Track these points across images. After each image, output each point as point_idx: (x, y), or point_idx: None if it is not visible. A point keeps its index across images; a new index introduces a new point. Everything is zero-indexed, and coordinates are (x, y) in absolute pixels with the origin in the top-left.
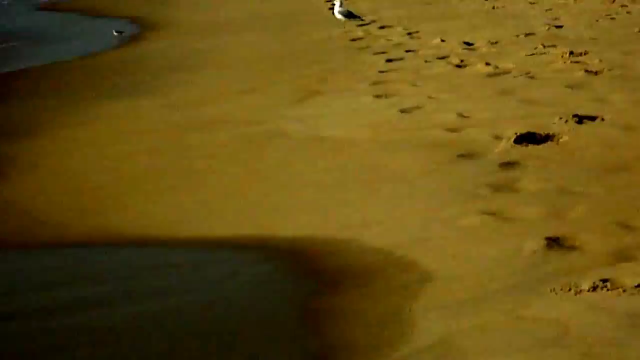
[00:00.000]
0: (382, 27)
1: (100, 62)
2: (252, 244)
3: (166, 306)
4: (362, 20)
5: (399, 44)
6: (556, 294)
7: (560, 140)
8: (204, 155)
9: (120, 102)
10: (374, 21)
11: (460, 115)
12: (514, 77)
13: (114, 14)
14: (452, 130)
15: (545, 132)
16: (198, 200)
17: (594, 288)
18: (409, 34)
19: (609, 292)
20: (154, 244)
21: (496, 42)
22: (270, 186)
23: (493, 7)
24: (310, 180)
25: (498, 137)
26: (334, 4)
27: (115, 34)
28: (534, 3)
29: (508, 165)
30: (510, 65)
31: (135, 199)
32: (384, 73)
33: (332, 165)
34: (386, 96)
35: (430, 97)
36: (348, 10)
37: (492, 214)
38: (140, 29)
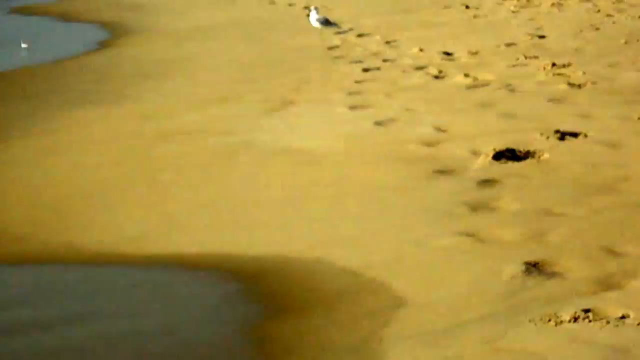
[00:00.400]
0: (359, 36)
1: (71, 68)
2: (216, 262)
3: (117, 329)
4: (339, 28)
5: (376, 53)
6: (535, 324)
7: (542, 157)
8: (171, 167)
9: (89, 110)
10: (351, 29)
11: (438, 128)
12: (494, 89)
13: (87, 19)
14: (429, 144)
15: (526, 149)
16: (163, 215)
17: (575, 319)
18: (387, 42)
19: (591, 323)
20: (115, 261)
21: (476, 53)
22: (237, 201)
23: (474, 16)
24: (280, 194)
25: (476, 153)
26: (310, 11)
27: (23, 46)
28: (516, 12)
29: (486, 183)
30: (490, 77)
31: (98, 212)
32: (360, 83)
33: (303, 179)
34: (361, 107)
35: (407, 109)
36: (325, 18)
37: (469, 235)
38: (113, 34)
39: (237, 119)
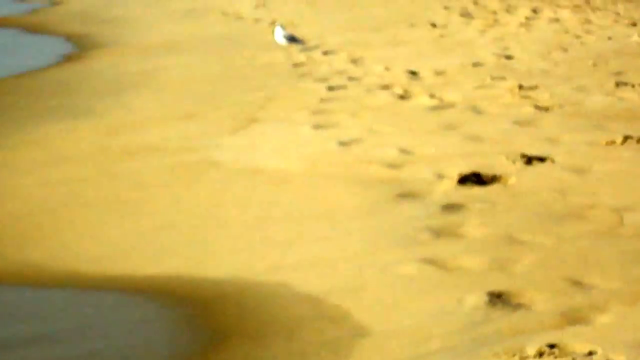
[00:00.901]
0: (325, 53)
1: (37, 81)
2: (173, 285)
3: (66, 353)
4: (305, 45)
5: (341, 71)
6: (499, 358)
7: (508, 182)
8: (134, 185)
9: (55, 125)
10: (317, 46)
11: (402, 150)
12: (460, 111)
13: (56, 31)
14: (393, 166)
15: (492, 173)
16: (123, 235)
17: (541, 354)
18: (353, 60)
19: (557, 359)
20: (73, 282)
21: (442, 72)
22: (198, 221)
23: (441, 35)
24: (242, 215)
25: (441, 177)
26: (275, 27)
27: None
28: (483, 31)
29: (451, 207)
30: (456, 98)
31: (57, 231)
32: (325, 102)
33: (265, 200)
34: (326, 127)
35: (371, 130)
36: (290, 35)
37: (432, 262)
38: (82, 47)
39: (201, 137)
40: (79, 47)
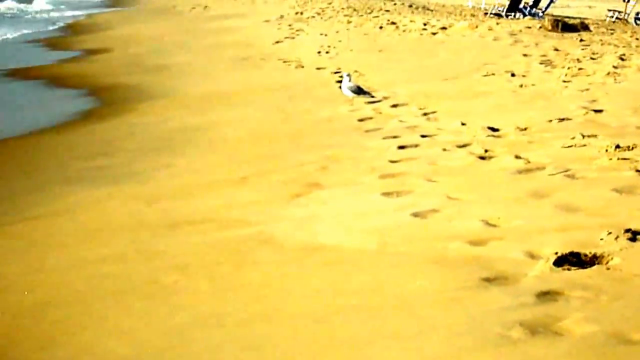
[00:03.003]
0: (394, 106)
1: (72, 138)
2: None
3: None
4: (373, 97)
5: (413, 127)
6: None
7: (610, 263)
8: (174, 266)
9: (91, 191)
10: (385, 98)
11: (486, 223)
12: (550, 175)
13: (96, 81)
14: (476, 243)
15: (592, 252)
16: (158, 331)
17: None
18: (425, 114)
19: None
20: None
21: (525, 129)
22: (248, 314)
23: (520, 85)
24: (299, 306)
25: (533, 256)
26: (342, 77)
27: None
28: (567, 81)
29: (547, 296)
30: (544, 160)
31: (84, 327)
32: (395, 163)
33: (328, 286)
34: (397, 194)
35: (449, 198)
36: (357, 86)
37: None
38: (124, 100)
39: (254, 206)
40: (122, 99)
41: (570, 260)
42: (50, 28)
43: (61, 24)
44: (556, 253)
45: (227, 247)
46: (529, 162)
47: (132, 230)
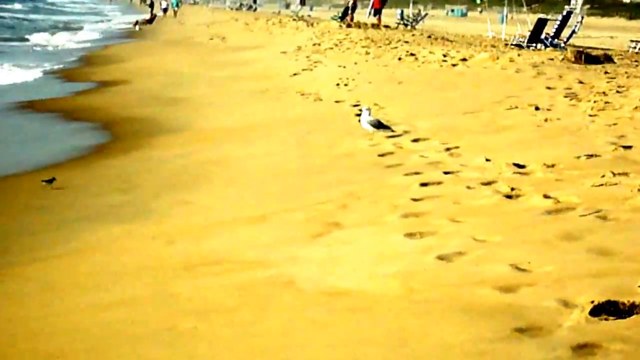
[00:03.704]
0: (415, 140)
1: (85, 173)
2: None
3: None
4: (393, 131)
5: (435, 163)
6: None
7: None
8: (192, 310)
9: (107, 229)
10: (406, 132)
11: (516, 267)
12: (581, 216)
13: (113, 114)
14: (506, 289)
15: (630, 301)
16: None
17: None
18: (448, 149)
19: None
20: None
21: (553, 166)
22: None
23: (545, 120)
24: (322, 357)
25: (568, 305)
26: (361, 111)
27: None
28: (594, 116)
29: (585, 349)
30: (574, 199)
31: None
32: (418, 202)
33: (350, 334)
34: (420, 235)
35: (475, 239)
36: (377, 120)
37: None
38: (145, 134)
39: (272, 246)
40: (138, 132)
41: (608, 309)
42: (68, 60)
43: (79, 55)
44: (592, 302)
45: (247, 291)
46: (558, 201)
47: (149, 271)
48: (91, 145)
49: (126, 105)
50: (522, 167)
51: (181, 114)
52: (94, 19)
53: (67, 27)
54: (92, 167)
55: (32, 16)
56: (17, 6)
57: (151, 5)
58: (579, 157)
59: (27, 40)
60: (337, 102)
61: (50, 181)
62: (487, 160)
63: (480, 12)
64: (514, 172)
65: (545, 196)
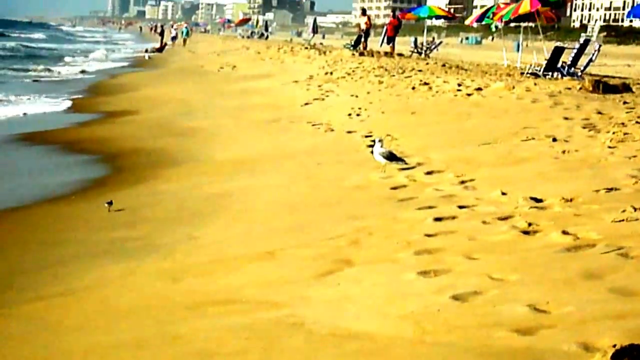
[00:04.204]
0: (429, 173)
1: (90, 206)
2: None
3: None
4: (406, 163)
5: (450, 196)
6: None
7: None
8: (198, 352)
9: (111, 266)
10: (419, 164)
11: (534, 308)
12: (602, 253)
13: (120, 145)
14: (524, 331)
15: None
16: None
17: None
18: (463, 182)
19: None
20: None
21: (571, 200)
22: None
23: (563, 151)
24: None
25: (589, 348)
26: (373, 142)
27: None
28: (613, 147)
29: None
30: (594, 235)
31: None
32: (432, 237)
33: None
34: (434, 273)
35: (491, 278)
36: (390, 151)
37: None
38: (149, 165)
39: (282, 285)
40: (145, 164)
41: (631, 353)
42: (76, 89)
43: (87, 85)
44: (614, 345)
45: (254, 333)
46: (577, 238)
47: (153, 311)
48: (96, 178)
49: (133, 136)
50: (540, 201)
51: (189, 145)
52: (105, 47)
53: (76, 55)
54: (97, 200)
55: (44, 45)
56: (37, 35)
57: (161, 34)
58: (598, 191)
59: (29, 70)
60: (348, 132)
61: (110, 203)
62: (503, 193)
63: (492, 39)
64: (531, 207)
65: (564, 232)
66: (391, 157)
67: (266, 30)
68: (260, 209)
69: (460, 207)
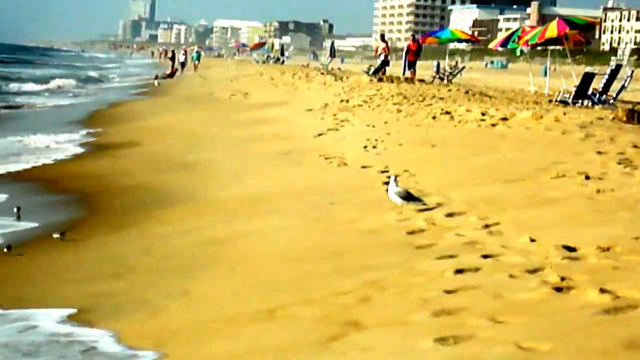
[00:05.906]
0: (450, 215)
1: (77, 253)
2: None
3: None
4: (424, 204)
5: (472, 243)
6: None
7: None
8: None
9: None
10: (439, 204)
11: None
12: None
13: (107, 184)
14: None
15: None
16: None
17: None
18: (487, 226)
19: None
20: None
21: (608, 249)
22: None
23: (597, 191)
24: None
25: None
26: (389, 178)
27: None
28: None
29: None
30: (635, 294)
31: None
32: (452, 294)
33: None
34: (454, 340)
35: (520, 347)
36: (406, 191)
37: None
38: (141, 205)
39: (281, 353)
40: (141, 204)
41: None
42: (75, 119)
43: (88, 113)
44: None
45: None
46: (617, 297)
47: None
48: (85, 218)
49: (131, 171)
50: (573, 250)
51: (189, 181)
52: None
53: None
54: (85, 246)
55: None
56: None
57: (172, 59)
58: (638, 238)
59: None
60: (363, 167)
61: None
62: (532, 240)
63: (520, 58)
64: (564, 257)
65: (602, 290)
66: (408, 197)
67: (282, 54)
68: (262, 257)
69: (484, 256)
